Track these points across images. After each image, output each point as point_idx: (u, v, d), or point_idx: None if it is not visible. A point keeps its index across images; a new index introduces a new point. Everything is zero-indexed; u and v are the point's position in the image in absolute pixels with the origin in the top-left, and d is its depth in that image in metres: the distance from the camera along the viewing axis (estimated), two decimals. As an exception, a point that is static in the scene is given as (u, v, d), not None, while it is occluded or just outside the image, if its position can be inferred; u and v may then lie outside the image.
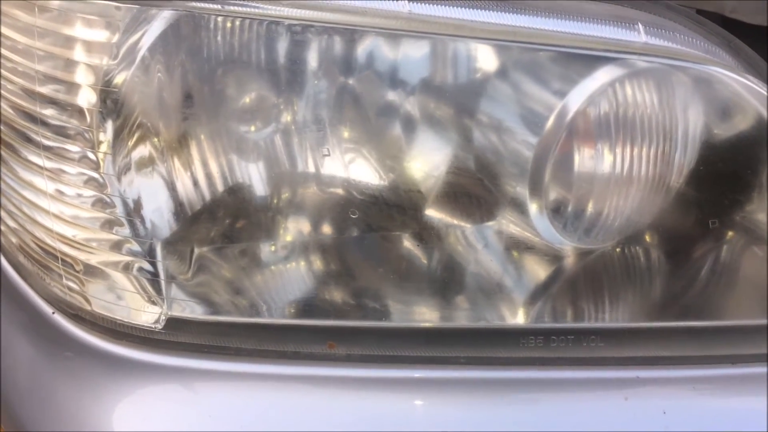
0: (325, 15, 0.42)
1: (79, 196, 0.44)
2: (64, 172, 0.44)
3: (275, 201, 0.50)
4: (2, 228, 0.49)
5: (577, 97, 0.43)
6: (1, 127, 0.47)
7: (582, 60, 0.44)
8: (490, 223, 0.50)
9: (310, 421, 0.42)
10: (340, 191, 0.49)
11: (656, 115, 0.44)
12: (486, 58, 0.46)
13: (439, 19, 0.43)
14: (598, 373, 0.43)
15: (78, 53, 0.43)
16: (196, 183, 0.48)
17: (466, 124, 0.48)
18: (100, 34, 0.42)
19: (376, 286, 0.48)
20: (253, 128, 0.48)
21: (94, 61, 0.42)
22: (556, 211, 0.45)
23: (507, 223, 0.49)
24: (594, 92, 0.43)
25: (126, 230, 0.44)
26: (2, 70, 0.46)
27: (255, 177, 0.49)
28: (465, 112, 0.47)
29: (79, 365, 0.46)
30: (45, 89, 0.44)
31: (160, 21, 0.43)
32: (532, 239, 0.49)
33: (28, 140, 0.45)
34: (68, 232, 0.44)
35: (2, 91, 0.47)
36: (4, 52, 0.46)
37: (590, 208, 0.45)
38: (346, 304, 0.47)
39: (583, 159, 0.44)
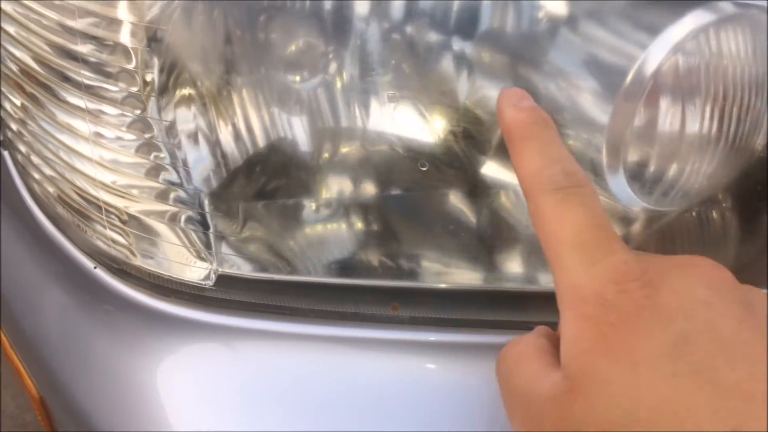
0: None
1: (124, 140, 0.41)
2: (106, 114, 0.41)
3: (327, 155, 0.47)
4: (37, 177, 0.46)
5: (661, 48, 0.39)
6: (36, 67, 0.44)
7: (666, 5, 0.40)
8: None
9: (369, 384, 0.40)
10: (398, 147, 0.46)
11: (748, 67, 0.40)
12: (555, 4, 0.42)
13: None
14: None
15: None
16: (238, 135, 0.45)
17: (531, 78, 0.44)
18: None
19: (435, 246, 0.46)
20: (298, 78, 0.45)
21: (140, -6, 0.39)
22: (635, 173, 0.42)
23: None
24: (680, 41, 0.39)
25: (173, 177, 0.41)
26: (37, 4, 0.43)
27: (299, 131, 0.46)
28: (530, 64, 0.44)
29: (120, 319, 0.43)
30: (86, 25, 0.41)
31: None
32: (601, 201, 0.45)
33: (66, 79, 0.42)
34: (112, 179, 0.41)
35: (37, 27, 0.43)
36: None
37: (672, 169, 0.42)
38: (407, 264, 0.44)
39: (666, 116, 0.41)
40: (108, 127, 0.41)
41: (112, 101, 0.41)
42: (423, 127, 0.45)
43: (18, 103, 0.46)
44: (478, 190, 0.47)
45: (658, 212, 0.45)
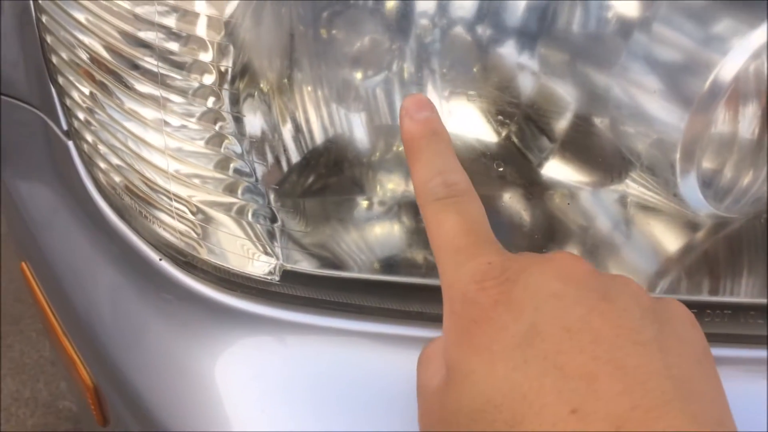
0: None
1: (193, 130, 0.41)
2: (176, 104, 0.41)
3: (384, 152, 0.47)
4: (103, 166, 0.47)
5: (741, 52, 0.38)
6: (107, 55, 0.44)
7: (745, 9, 0.39)
8: (618, 187, 0.47)
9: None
10: (456, 144, 0.45)
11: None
12: (625, 6, 0.41)
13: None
14: (759, 353, 0.39)
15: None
16: (298, 131, 0.45)
17: (595, 77, 0.44)
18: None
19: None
20: (361, 75, 0.45)
21: (219, -15, 0.39)
22: (709, 178, 0.41)
23: (638, 188, 0.45)
24: (761, 46, 0.39)
25: (245, 169, 0.41)
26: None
27: (358, 127, 0.46)
28: (595, 63, 0.43)
29: (183, 311, 0.43)
30: (159, 15, 0.41)
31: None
32: (666, 206, 0.45)
33: (137, 68, 0.42)
34: (181, 170, 0.41)
35: (108, 15, 0.43)
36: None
37: (747, 176, 0.41)
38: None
39: (745, 122, 0.40)
40: (179, 117, 0.41)
41: (183, 92, 0.41)
42: (483, 124, 0.45)
43: (86, 91, 0.46)
44: (536, 190, 0.46)
45: (726, 218, 0.44)
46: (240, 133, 0.41)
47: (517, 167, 0.45)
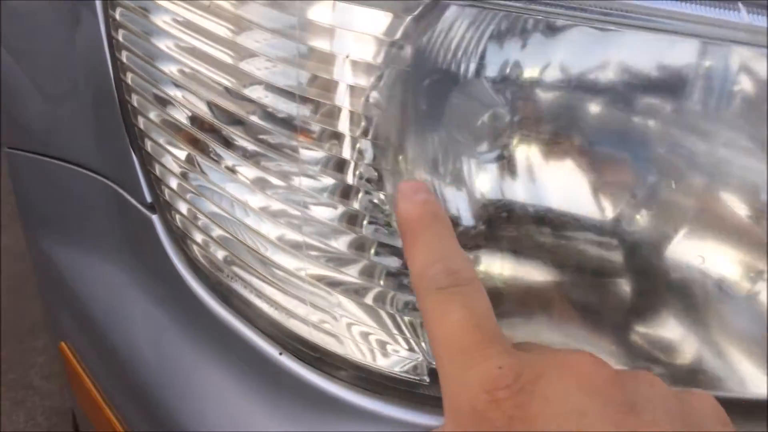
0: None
1: (328, 205, 0.36)
2: (309, 178, 0.37)
3: (491, 232, 0.42)
4: (199, 239, 0.41)
5: None
6: (209, 112, 0.39)
7: None
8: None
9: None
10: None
11: None
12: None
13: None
14: None
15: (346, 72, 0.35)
16: None
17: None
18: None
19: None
20: (472, 149, 0.40)
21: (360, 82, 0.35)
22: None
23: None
24: None
25: (384, 251, 0.36)
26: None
27: (463, 204, 0.41)
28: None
29: (306, 415, 0.37)
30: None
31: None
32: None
33: (273, 147, 0.38)
34: (318, 253, 0.36)
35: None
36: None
37: None
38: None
39: None
40: (305, 192, 0.36)
41: (314, 163, 0.36)
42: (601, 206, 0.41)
43: (182, 155, 0.41)
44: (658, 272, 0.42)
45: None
46: (379, 210, 0.36)
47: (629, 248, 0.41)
